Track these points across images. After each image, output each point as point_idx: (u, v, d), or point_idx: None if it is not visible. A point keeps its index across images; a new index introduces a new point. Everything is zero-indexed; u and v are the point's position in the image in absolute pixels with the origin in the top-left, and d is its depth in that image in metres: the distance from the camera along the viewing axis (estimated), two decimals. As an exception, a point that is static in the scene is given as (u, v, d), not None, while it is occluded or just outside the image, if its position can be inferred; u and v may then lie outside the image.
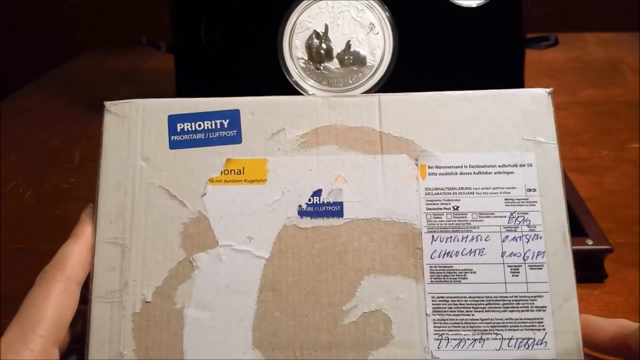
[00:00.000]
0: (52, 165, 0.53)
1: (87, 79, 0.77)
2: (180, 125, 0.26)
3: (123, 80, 0.75)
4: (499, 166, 0.25)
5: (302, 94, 0.40)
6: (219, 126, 0.26)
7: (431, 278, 0.24)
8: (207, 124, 0.26)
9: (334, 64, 0.39)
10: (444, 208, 0.25)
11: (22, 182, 0.51)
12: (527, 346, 0.23)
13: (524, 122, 0.25)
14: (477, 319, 0.23)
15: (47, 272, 0.23)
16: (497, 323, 0.23)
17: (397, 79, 0.38)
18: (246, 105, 0.26)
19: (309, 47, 0.40)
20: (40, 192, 0.49)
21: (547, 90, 0.26)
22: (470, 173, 0.25)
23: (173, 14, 0.48)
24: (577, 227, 0.34)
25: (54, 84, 0.75)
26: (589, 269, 0.33)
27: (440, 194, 0.25)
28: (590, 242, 0.33)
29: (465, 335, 0.23)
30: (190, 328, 0.24)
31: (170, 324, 0.24)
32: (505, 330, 0.23)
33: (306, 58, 0.40)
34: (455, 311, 0.23)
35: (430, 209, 0.25)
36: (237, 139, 0.26)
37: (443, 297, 0.24)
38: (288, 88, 0.41)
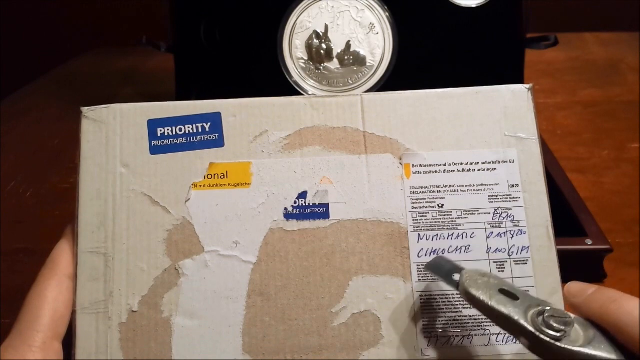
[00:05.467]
0: (52, 165, 0.49)
1: (87, 79, 0.71)
2: (161, 130, 0.22)
3: (123, 80, 0.69)
4: (482, 163, 0.22)
5: (302, 94, 0.36)
6: (200, 130, 0.22)
7: (419, 277, 0.21)
8: (189, 127, 0.22)
9: (334, 64, 0.35)
10: (429, 206, 0.21)
11: (22, 182, 0.46)
12: (514, 341, 0.20)
13: (505, 119, 0.22)
14: (465, 316, 0.20)
15: (41, 273, 0.20)
16: (485, 319, 0.20)
17: (397, 79, 0.35)
18: (227, 107, 0.22)
19: (309, 47, 0.36)
20: (40, 192, 0.44)
21: (527, 86, 0.23)
22: (454, 171, 0.22)
23: (173, 14, 0.43)
24: (576, 227, 0.31)
25: (54, 84, 0.69)
26: (588, 268, 0.30)
27: (425, 192, 0.22)
28: (589, 242, 0.29)
29: (453, 332, 0.20)
30: (179, 336, 0.20)
31: (158, 333, 0.20)
32: (493, 325, 0.20)
33: (306, 58, 0.36)
34: (443, 309, 0.20)
35: (415, 207, 0.21)
36: (219, 143, 0.22)
37: (431, 295, 0.21)
38: (288, 88, 0.37)
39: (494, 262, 0.21)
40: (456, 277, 0.18)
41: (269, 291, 0.21)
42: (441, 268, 0.19)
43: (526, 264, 0.21)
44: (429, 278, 0.21)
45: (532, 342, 0.16)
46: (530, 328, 0.16)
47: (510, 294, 0.17)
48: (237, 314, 0.20)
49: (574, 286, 0.18)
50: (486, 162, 0.22)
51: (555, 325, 0.15)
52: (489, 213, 0.21)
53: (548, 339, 0.15)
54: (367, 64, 0.35)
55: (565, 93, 0.56)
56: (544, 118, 0.50)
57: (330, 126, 0.22)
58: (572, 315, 0.16)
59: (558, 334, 0.15)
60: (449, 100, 0.22)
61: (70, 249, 0.21)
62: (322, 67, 0.36)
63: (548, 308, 0.16)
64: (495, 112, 0.22)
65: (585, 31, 0.73)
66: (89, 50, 0.81)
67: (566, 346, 0.15)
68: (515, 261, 0.21)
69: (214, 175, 0.22)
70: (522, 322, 0.16)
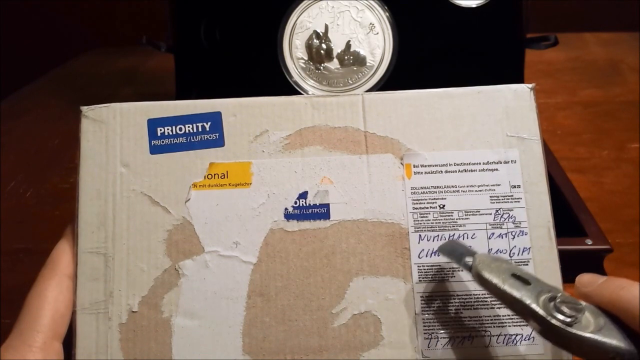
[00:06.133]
0: (52, 165, 0.48)
1: (87, 79, 0.71)
2: (161, 129, 0.22)
3: (123, 80, 0.69)
4: (484, 163, 0.22)
5: (302, 94, 0.36)
6: (200, 129, 0.22)
7: (419, 277, 0.21)
8: (189, 127, 0.22)
9: (334, 64, 0.35)
10: (430, 207, 0.21)
11: (22, 182, 0.46)
12: (515, 342, 0.20)
13: (507, 119, 0.22)
14: (466, 317, 0.20)
15: (41, 273, 0.20)
16: (485, 320, 0.20)
17: (397, 79, 0.35)
18: (227, 107, 0.22)
19: (309, 47, 0.35)
20: (40, 192, 0.44)
21: (529, 85, 0.22)
22: (456, 171, 0.22)
23: (173, 14, 0.43)
24: (576, 227, 0.31)
25: (54, 84, 0.69)
26: (588, 268, 0.29)
27: (426, 193, 0.21)
28: (589, 242, 0.29)
29: (454, 333, 0.20)
30: (179, 337, 0.20)
31: (158, 333, 0.20)
32: (494, 327, 0.20)
33: (306, 58, 0.36)
34: (444, 310, 0.20)
35: (416, 208, 0.21)
36: (219, 142, 0.22)
37: (432, 296, 0.21)
38: (288, 88, 0.37)
39: (495, 263, 0.21)
40: (469, 260, 0.18)
41: (269, 292, 0.21)
42: (454, 251, 0.19)
43: (527, 264, 0.21)
44: (430, 279, 0.21)
45: (543, 327, 0.16)
46: (542, 312, 0.16)
47: (522, 279, 0.17)
48: (237, 314, 0.20)
49: (585, 277, 0.18)
50: (487, 163, 0.22)
51: (566, 310, 0.16)
52: (490, 214, 0.21)
53: (559, 324, 0.15)
54: (367, 64, 0.35)
55: (565, 93, 0.56)
56: (544, 118, 0.49)
57: (331, 126, 0.22)
58: (583, 303, 0.16)
59: (569, 319, 0.15)
60: (450, 100, 0.22)
61: (70, 249, 0.21)
62: (322, 67, 0.36)
63: (560, 294, 0.16)
64: (496, 112, 0.22)
65: (585, 31, 0.73)
66: (89, 50, 0.81)
67: (576, 332, 0.15)
68: (516, 262, 0.21)
69: (214, 175, 0.22)
70: (534, 306, 0.16)
